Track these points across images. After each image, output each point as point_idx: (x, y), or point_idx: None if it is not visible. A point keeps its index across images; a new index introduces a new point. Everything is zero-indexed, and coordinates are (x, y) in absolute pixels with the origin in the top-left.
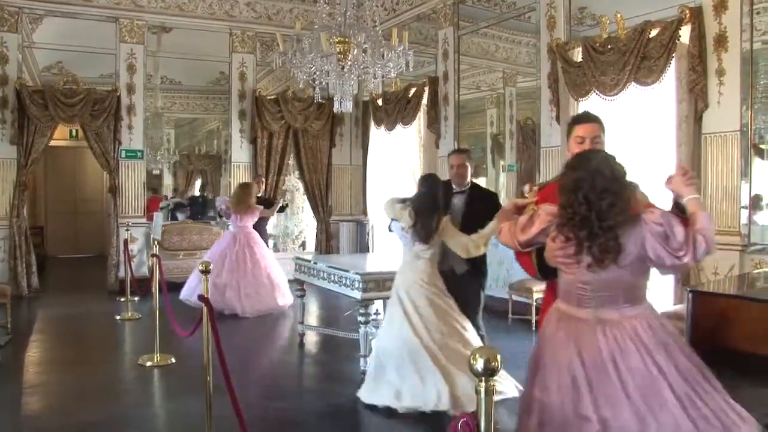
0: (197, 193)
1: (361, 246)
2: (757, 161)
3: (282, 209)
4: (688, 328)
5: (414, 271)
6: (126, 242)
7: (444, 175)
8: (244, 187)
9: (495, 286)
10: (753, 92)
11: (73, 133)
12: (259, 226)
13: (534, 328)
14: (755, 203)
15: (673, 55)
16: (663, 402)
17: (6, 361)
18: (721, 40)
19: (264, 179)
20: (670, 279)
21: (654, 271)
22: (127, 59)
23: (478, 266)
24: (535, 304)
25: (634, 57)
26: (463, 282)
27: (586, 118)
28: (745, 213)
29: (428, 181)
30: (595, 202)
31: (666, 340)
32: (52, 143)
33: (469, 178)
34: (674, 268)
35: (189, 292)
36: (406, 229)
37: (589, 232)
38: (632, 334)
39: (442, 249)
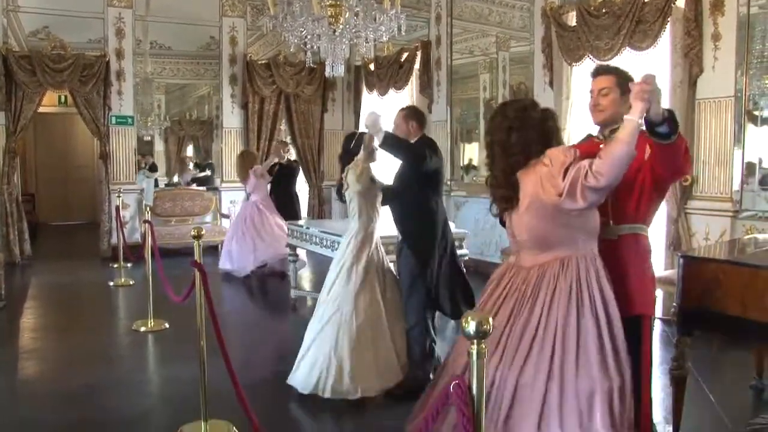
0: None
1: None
2: (750, 127)
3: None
4: (678, 293)
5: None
6: (118, 209)
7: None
8: (240, 156)
9: (488, 251)
10: (748, 57)
11: (62, 100)
12: (277, 192)
13: None
14: (750, 170)
15: (669, 19)
16: (527, 354)
17: (1, 327)
18: (717, 4)
19: (287, 145)
20: (661, 244)
21: None
22: (116, 23)
23: (408, 235)
24: None
25: (629, 21)
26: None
27: (595, 72)
28: (737, 179)
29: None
30: (494, 149)
31: (577, 293)
32: (41, 110)
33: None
34: (558, 210)
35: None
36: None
37: (492, 179)
38: (536, 281)
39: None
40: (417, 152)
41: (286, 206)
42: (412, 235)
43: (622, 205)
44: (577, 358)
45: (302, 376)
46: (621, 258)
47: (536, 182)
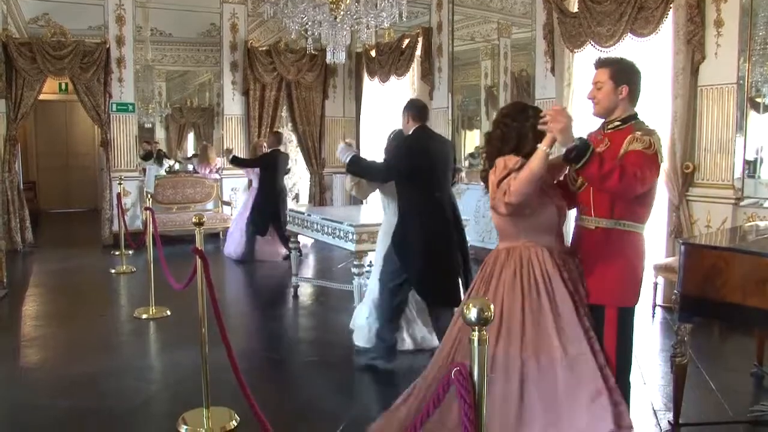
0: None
1: (355, 198)
2: (752, 114)
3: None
4: (680, 280)
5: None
6: (119, 196)
7: (437, 124)
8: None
9: (488, 239)
10: (751, 44)
11: (63, 87)
12: (263, 180)
13: None
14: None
15: (671, 5)
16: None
17: (3, 315)
18: None
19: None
20: (662, 232)
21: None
22: (116, 10)
23: (397, 224)
24: None
25: (630, 7)
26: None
27: (594, 64)
28: (739, 167)
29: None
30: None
31: (520, 278)
32: (42, 97)
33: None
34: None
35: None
36: None
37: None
38: (492, 266)
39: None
40: (379, 170)
41: (263, 204)
42: (396, 236)
43: (600, 201)
44: (522, 333)
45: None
46: (595, 248)
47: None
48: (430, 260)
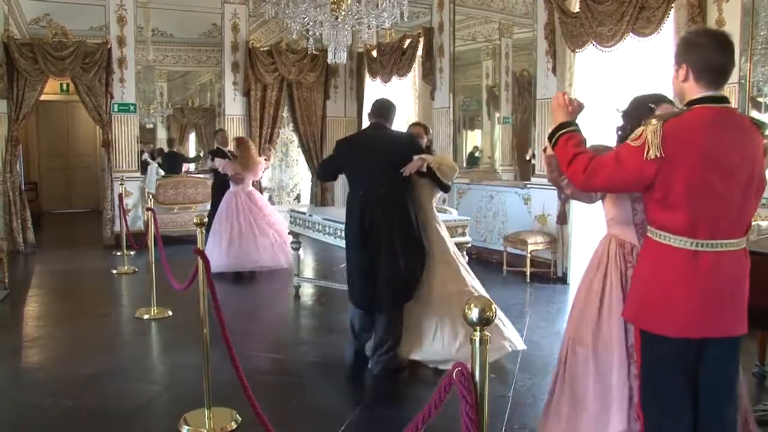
0: (167, 148)
1: None
2: (754, 114)
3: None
4: None
5: None
6: (121, 196)
7: (439, 124)
8: (241, 143)
9: (490, 238)
10: (753, 44)
11: (64, 87)
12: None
13: (528, 280)
14: None
15: (672, 5)
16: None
17: (4, 315)
18: None
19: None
20: None
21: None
22: (117, 11)
23: None
24: (529, 256)
25: (632, 7)
26: None
27: None
28: None
29: (424, 124)
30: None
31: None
32: (43, 97)
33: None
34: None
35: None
36: None
37: None
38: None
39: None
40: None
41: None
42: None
43: None
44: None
45: None
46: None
47: None
48: (349, 257)
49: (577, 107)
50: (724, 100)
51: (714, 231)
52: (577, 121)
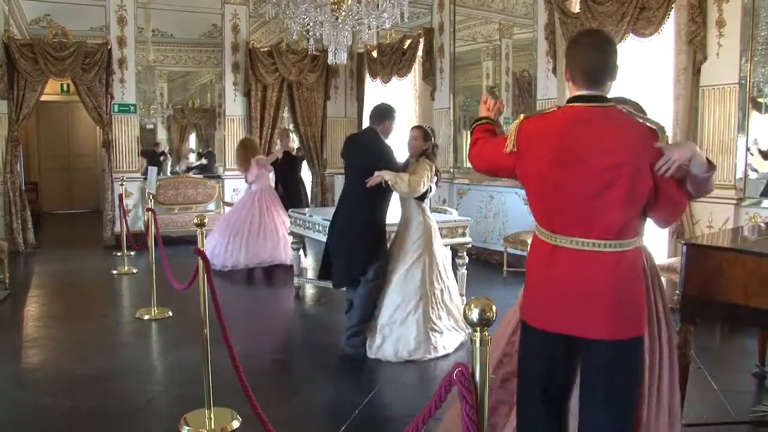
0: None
1: None
2: (754, 114)
3: (288, 157)
4: (682, 281)
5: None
6: (121, 197)
7: (439, 125)
8: (241, 145)
9: (490, 239)
10: (753, 44)
11: (65, 88)
12: (285, 180)
13: None
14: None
15: (673, 5)
16: None
17: (5, 315)
18: None
19: (290, 133)
20: (664, 232)
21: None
22: (118, 11)
23: None
24: None
25: (632, 7)
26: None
27: None
28: (741, 166)
29: (432, 131)
30: None
31: None
32: (44, 98)
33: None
34: None
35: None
36: (436, 181)
37: None
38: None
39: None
40: None
41: (294, 194)
42: None
43: None
44: None
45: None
46: None
47: None
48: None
49: (496, 108)
50: (598, 99)
51: (569, 227)
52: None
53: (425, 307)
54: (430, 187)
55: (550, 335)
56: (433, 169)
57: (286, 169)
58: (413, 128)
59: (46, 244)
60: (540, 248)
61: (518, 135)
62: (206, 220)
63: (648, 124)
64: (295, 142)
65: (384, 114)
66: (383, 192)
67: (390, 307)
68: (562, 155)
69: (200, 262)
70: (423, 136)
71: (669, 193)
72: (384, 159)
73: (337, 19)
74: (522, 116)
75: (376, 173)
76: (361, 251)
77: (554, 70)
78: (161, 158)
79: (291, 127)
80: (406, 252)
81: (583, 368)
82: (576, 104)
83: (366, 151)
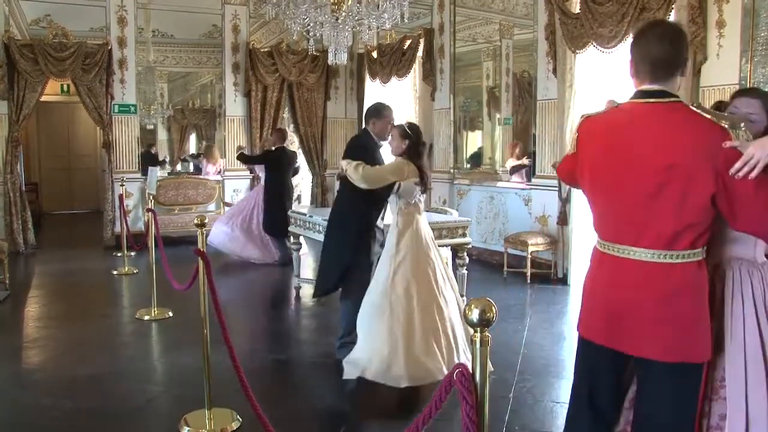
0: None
1: None
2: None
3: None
4: None
5: (425, 226)
6: (121, 197)
7: (439, 125)
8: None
9: (491, 239)
10: (753, 45)
11: (65, 89)
12: (270, 179)
13: (528, 281)
14: None
15: (673, 6)
16: None
17: (5, 316)
18: None
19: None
20: None
21: None
22: (118, 11)
23: None
24: (529, 257)
25: (633, 8)
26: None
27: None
28: None
29: (414, 128)
30: None
31: None
32: (44, 99)
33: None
34: None
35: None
36: (418, 182)
37: None
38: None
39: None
40: None
41: (273, 200)
42: None
43: None
44: None
45: None
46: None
47: None
48: None
49: None
50: (658, 94)
51: (617, 234)
52: None
53: (390, 324)
54: (399, 186)
55: (593, 345)
56: (408, 168)
57: (273, 166)
58: (392, 127)
59: (47, 245)
60: (593, 255)
61: (579, 135)
62: (206, 221)
63: (721, 121)
64: (294, 143)
65: (370, 113)
66: (362, 191)
67: (360, 319)
68: (612, 155)
69: (200, 262)
70: (399, 135)
71: (749, 199)
72: (353, 152)
73: (337, 19)
74: (583, 115)
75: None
76: (336, 253)
77: (554, 71)
78: (161, 161)
79: (291, 127)
80: (381, 260)
81: (638, 388)
82: (636, 100)
83: (346, 147)
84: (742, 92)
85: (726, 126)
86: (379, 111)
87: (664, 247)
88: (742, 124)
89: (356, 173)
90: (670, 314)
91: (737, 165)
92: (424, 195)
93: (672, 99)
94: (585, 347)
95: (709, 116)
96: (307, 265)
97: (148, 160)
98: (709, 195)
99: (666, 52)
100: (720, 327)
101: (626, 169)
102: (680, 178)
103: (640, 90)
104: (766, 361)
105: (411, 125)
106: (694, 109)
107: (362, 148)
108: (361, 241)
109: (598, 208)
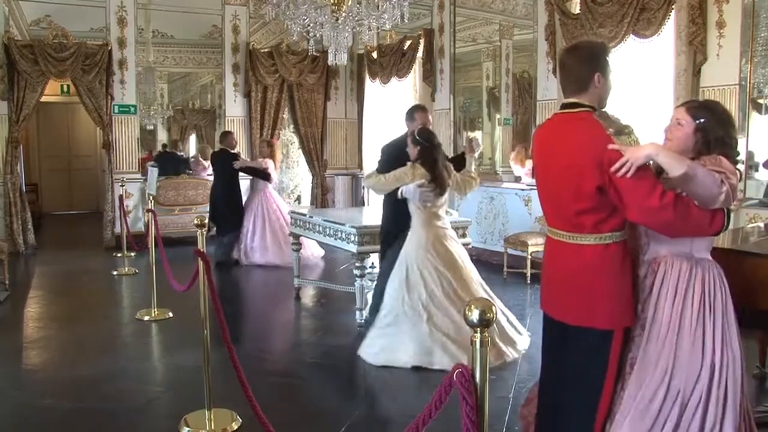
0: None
1: (357, 200)
2: (755, 116)
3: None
4: None
5: (444, 226)
6: (121, 198)
7: (439, 126)
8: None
9: (490, 240)
10: (753, 45)
11: (65, 89)
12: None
13: (528, 281)
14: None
15: (673, 6)
16: None
17: (5, 316)
18: None
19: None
20: None
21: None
22: (118, 12)
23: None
24: (529, 257)
25: (633, 8)
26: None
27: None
28: (741, 167)
29: (424, 134)
30: None
31: None
32: (44, 99)
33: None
34: None
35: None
36: (426, 185)
37: None
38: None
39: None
40: None
41: (225, 207)
42: None
43: None
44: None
45: None
46: None
47: None
48: None
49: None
50: (571, 105)
51: (550, 220)
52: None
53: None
54: (402, 190)
55: (546, 316)
56: (414, 172)
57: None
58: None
59: (47, 245)
60: (546, 240)
61: (533, 143)
62: (206, 221)
63: (609, 129)
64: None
65: (406, 115)
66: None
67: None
68: (542, 157)
69: (200, 263)
70: (411, 142)
71: (629, 191)
72: (380, 160)
73: (337, 20)
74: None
75: None
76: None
77: (554, 71)
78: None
79: (291, 128)
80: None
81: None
82: (559, 111)
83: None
84: (683, 104)
85: (611, 132)
86: (410, 113)
87: (572, 229)
88: (626, 131)
89: (366, 182)
90: (578, 286)
91: (616, 165)
92: (442, 198)
93: (582, 109)
94: (543, 319)
95: (603, 123)
96: (309, 266)
97: (170, 162)
98: (595, 185)
99: (573, 71)
100: (645, 315)
101: (548, 168)
102: (575, 174)
103: (562, 102)
104: (676, 349)
105: (421, 131)
106: (596, 117)
107: (390, 153)
108: (395, 238)
109: (540, 199)
